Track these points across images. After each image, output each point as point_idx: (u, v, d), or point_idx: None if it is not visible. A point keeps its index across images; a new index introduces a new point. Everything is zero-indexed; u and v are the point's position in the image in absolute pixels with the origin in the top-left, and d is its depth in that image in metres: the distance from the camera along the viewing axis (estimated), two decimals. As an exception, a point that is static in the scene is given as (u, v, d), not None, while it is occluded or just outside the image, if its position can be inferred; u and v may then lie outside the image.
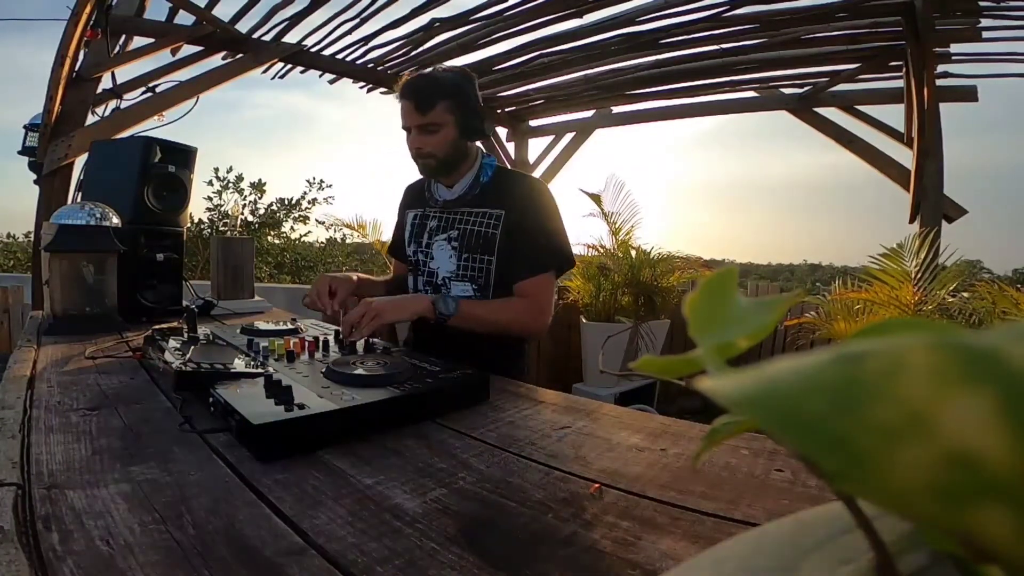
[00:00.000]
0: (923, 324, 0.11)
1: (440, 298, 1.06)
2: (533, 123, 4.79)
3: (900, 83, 3.07)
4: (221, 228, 8.55)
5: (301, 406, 0.60)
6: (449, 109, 1.10)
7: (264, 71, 3.15)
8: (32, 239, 2.59)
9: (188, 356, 0.78)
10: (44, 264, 1.33)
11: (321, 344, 0.93)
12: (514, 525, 0.45)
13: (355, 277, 1.20)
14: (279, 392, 0.64)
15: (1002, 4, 2.37)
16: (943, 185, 2.92)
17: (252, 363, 0.81)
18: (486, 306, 1.12)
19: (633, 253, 3.25)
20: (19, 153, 2.27)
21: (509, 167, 1.24)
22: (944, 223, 2.93)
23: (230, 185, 9.42)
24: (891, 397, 0.08)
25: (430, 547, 0.41)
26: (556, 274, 1.16)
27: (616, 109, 4.40)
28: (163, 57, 2.73)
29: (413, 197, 1.32)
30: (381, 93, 3.90)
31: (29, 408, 0.68)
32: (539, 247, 1.14)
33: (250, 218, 9.40)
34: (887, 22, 2.62)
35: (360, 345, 0.97)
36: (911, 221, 3.02)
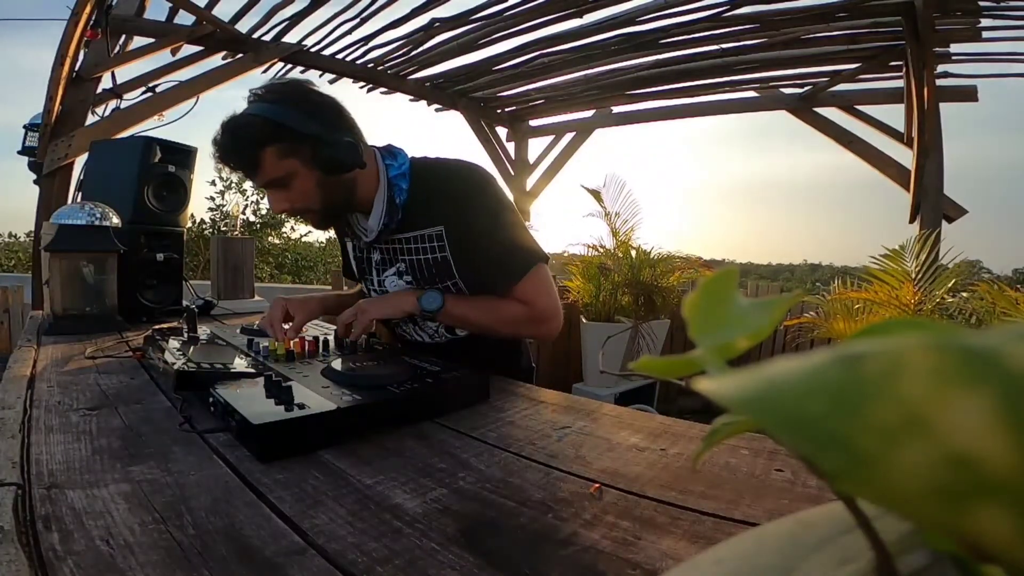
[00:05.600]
0: (923, 324, 0.11)
1: (425, 294, 0.94)
2: (533, 123, 4.80)
3: (900, 83, 3.07)
4: (222, 228, 8.56)
5: (301, 406, 0.60)
6: (282, 152, 0.86)
7: (264, 71, 3.15)
8: (33, 239, 2.59)
9: (188, 356, 0.78)
10: (44, 264, 1.33)
11: (321, 344, 0.93)
12: (514, 525, 0.45)
13: (319, 299, 1.05)
14: (279, 392, 0.64)
15: (1002, 4, 2.37)
16: (943, 185, 2.93)
17: (252, 363, 0.81)
18: (475, 306, 0.96)
19: (633, 253, 3.24)
20: (19, 153, 2.27)
21: (428, 158, 1.01)
22: (944, 223, 2.93)
23: (233, 185, 9.45)
24: (891, 398, 0.08)
25: (430, 547, 0.41)
26: (545, 263, 0.98)
27: (616, 109, 4.40)
28: (163, 57, 2.73)
29: (343, 223, 1.06)
30: (381, 93, 3.90)
31: (29, 408, 0.68)
32: (512, 247, 0.96)
33: (252, 218, 9.43)
34: (887, 22, 2.62)
35: (360, 345, 0.97)
36: (911, 221, 3.02)
